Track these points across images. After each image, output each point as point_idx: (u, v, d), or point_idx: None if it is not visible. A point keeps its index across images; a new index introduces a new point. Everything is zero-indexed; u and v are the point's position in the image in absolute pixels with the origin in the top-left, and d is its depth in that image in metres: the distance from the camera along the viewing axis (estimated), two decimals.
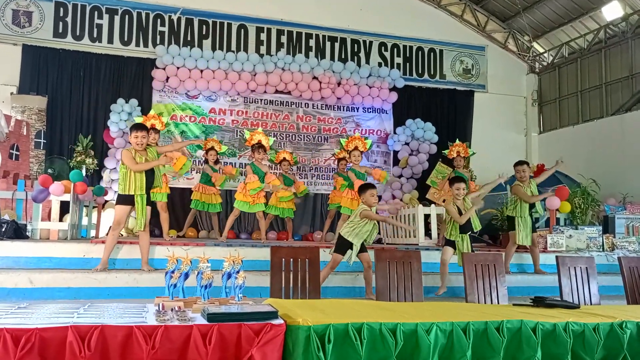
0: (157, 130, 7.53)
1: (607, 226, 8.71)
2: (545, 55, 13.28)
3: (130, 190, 5.70)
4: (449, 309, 3.31)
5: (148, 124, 7.54)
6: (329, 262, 5.75)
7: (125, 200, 5.77)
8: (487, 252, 6.85)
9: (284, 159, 9.20)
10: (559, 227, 8.37)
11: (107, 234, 6.70)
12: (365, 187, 5.95)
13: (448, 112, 12.34)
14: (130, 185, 5.70)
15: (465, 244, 6.14)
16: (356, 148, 8.30)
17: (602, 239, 8.28)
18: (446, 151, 9.00)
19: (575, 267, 4.58)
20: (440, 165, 9.88)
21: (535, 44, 13.32)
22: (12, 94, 9.54)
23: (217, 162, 8.70)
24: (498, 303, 4.27)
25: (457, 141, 9.22)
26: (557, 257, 4.65)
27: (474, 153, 9.69)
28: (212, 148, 8.66)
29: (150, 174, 5.91)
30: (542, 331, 2.87)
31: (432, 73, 12.41)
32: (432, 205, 9.17)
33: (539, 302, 3.51)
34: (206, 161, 8.71)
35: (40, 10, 10.05)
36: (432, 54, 12.44)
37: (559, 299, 4.23)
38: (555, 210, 8.56)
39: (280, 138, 11.05)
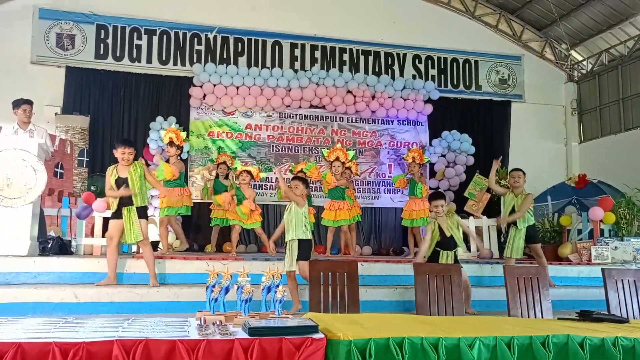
0: (172, 143, 7.65)
1: None
2: (584, 63, 13.00)
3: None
4: (492, 323, 3.25)
5: (166, 138, 7.70)
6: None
7: (116, 214, 5.88)
8: (529, 264, 6.74)
9: (301, 170, 8.97)
10: (603, 239, 8.12)
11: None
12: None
13: (485, 123, 12.18)
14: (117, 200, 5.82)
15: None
16: (337, 159, 8.35)
17: None
18: (404, 157, 9.31)
19: (622, 280, 4.44)
20: (477, 177, 9.75)
21: (573, 52, 13.06)
22: (56, 114, 9.86)
23: (226, 177, 8.68)
24: (542, 317, 4.18)
25: (414, 147, 9.80)
26: (603, 269, 4.51)
27: (429, 161, 10.13)
28: (224, 162, 8.73)
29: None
30: (589, 346, 2.78)
31: (467, 84, 12.29)
32: (471, 217, 9.06)
33: (586, 316, 3.41)
34: (217, 175, 8.76)
35: (82, 33, 10.40)
36: (467, 64, 12.33)
37: (606, 312, 4.10)
38: (599, 221, 8.33)
39: (315, 152, 11.09)
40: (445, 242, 5.78)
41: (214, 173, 9.40)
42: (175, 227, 8.01)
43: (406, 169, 11.39)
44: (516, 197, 6.79)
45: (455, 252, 5.86)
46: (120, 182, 5.78)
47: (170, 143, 7.68)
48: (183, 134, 8.00)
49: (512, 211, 6.77)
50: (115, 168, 5.89)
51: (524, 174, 6.91)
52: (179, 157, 7.88)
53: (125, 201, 5.82)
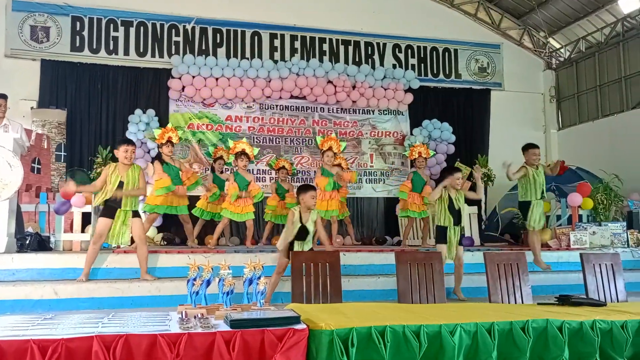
0: (172, 143, 7.71)
1: (632, 222, 8.56)
2: (562, 50, 13.13)
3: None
4: (473, 309, 3.28)
5: (165, 137, 7.67)
6: (276, 267, 5.57)
7: (108, 212, 5.83)
8: (509, 251, 6.80)
9: (283, 167, 9.25)
10: (582, 224, 8.25)
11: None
12: (305, 189, 5.49)
13: (465, 112, 12.24)
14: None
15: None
16: (330, 149, 8.39)
17: (627, 235, 8.14)
18: (407, 152, 9.53)
19: (600, 264, 4.51)
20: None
21: (551, 40, 13.18)
22: (32, 108, 9.67)
23: (222, 172, 8.68)
24: (522, 302, 4.23)
25: (417, 142, 9.93)
26: (581, 254, 4.59)
27: (435, 153, 10.24)
28: (221, 157, 8.67)
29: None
30: (568, 330, 2.83)
31: (447, 73, 12.34)
32: None
33: (564, 300, 3.46)
34: (212, 169, 8.74)
35: (57, 25, 10.20)
36: (446, 53, 12.37)
37: (585, 297, 4.17)
38: (577, 207, 8.45)
39: (296, 143, 11.06)
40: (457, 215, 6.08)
41: (195, 166, 9.31)
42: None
43: (387, 159, 11.49)
44: (536, 171, 7.10)
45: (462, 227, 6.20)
46: (121, 184, 5.81)
47: (169, 142, 7.65)
48: (180, 133, 8.25)
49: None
50: (116, 167, 5.85)
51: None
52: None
53: (119, 202, 5.81)
